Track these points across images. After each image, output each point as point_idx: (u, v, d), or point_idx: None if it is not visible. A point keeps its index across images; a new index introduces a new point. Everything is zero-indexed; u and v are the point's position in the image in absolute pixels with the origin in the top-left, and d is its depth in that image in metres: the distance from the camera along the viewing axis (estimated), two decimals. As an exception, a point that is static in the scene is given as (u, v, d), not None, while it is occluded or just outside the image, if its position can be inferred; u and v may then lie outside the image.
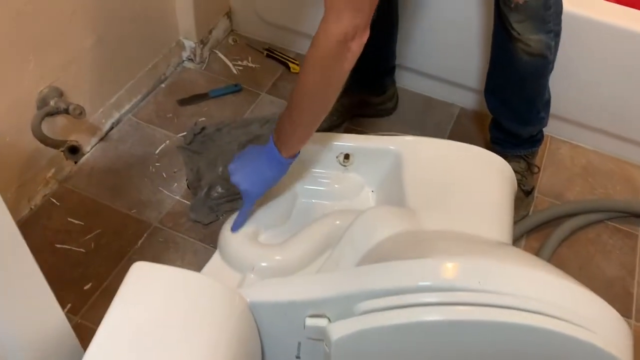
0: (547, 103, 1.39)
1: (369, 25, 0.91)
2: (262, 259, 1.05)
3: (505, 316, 0.77)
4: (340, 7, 0.86)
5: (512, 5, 1.16)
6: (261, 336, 0.90)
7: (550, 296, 0.81)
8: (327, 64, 0.90)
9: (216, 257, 1.09)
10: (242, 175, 1.05)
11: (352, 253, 1.02)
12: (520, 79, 1.29)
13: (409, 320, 0.79)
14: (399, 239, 0.99)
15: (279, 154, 1.02)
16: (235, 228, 1.11)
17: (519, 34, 1.19)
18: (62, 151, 1.19)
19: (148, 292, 0.77)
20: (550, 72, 1.31)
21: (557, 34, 1.25)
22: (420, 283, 0.82)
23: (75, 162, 1.30)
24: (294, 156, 1.04)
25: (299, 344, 0.91)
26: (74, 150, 1.17)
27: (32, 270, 0.61)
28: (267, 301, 0.87)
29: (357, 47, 0.90)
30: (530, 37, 1.20)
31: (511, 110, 1.37)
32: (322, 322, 0.86)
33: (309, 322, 0.86)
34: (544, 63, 1.25)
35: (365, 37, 0.90)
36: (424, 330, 0.80)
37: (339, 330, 0.82)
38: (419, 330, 0.80)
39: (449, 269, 0.83)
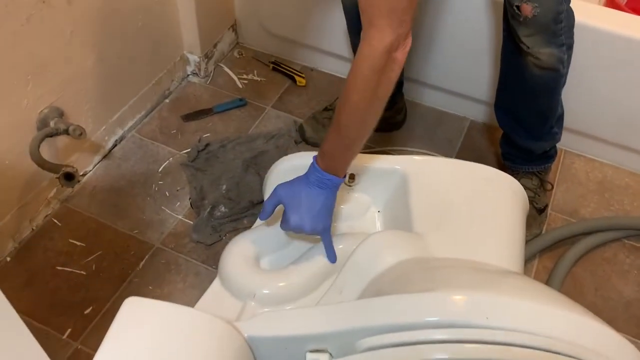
0: (560, 118, 1.34)
1: (411, 32, 0.87)
2: (263, 286, 1.02)
3: (514, 355, 0.73)
4: (383, 21, 0.84)
5: (521, 19, 1.13)
6: (260, 370, 0.87)
7: (562, 333, 0.76)
8: (375, 79, 0.88)
9: (216, 284, 1.06)
10: (311, 219, 0.99)
11: (356, 280, 0.98)
12: (532, 93, 1.25)
13: (414, 359, 0.75)
14: (405, 267, 0.95)
15: (334, 177, 0.98)
16: (334, 259, 1.05)
17: (528, 47, 1.16)
18: (57, 178, 1.17)
19: (140, 330, 0.74)
20: (563, 85, 1.26)
21: (569, 47, 1.20)
22: (427, 319, 0.78)
23: (76, 184, 1.27)
24: (345, 176, 1.02)
25: (300, 378, 0.87)
26: (70, 177, 1.15)
27: (10, 318, 0.58)
28: (266, 336, 0.83)
29: (402, 56, 0.88)
30: (540, 50, 1.16)
31: (523, 125, 1.33)
32: (323, 358, 0.82)
33: (310, 357, 0.83)
34: (555, 76, 1.21)
35: (409, 44, 0.88)
36: (429, 369, 0.76)
37: (340, 367, 0.78)
38: (424, 369, 0.76)
39: (456, 304, 0.79)
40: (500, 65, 1.30)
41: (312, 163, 1.00)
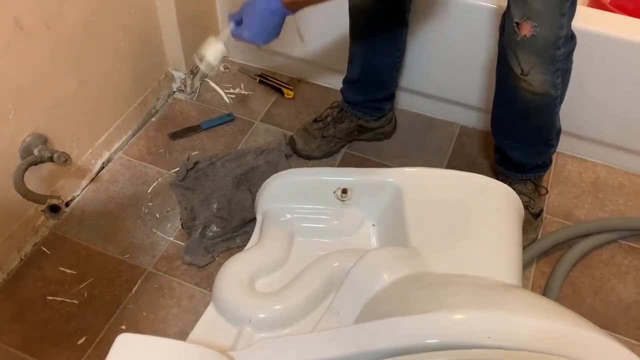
0: (558, 132, 1.32)
1: None
2: (260, 310, 1.00)
3: (518, 375, 0.72)
4: None
5: (518, 39, 1.08)
6: (259, 400, 0.85)
7: (564, 348, 0.75)
8: None
9: (210, 310, 1.04)
10: (250, 22, 1.07)
11: (353, 301, 0.96)
12: (525, 114, 1.22)
13: (416, 383, 0.74)
14: (403, 285, 0.94)
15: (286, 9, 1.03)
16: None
17: (522, 71, 1.11)
18: (42, 211, 1.14)
19: (134, 369, 0.72)
20: (560, 104, 1.24)
21: (565, 71, 1.17)
22: (428, 341, 0.76)
23: (63, 214, 1.24)
24: (293, 10, 1.05)
25: (300, 406, 0.86)
26: (55, 209, 1.12)
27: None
28: (263, 365, 0.82)
29: None
30: (534, 77, 1.12)
31: (516, 141, 1.31)
32: (323, 385, 0.81)
33: (310, 384, 0.81)
34: (549, 100, 1.18)
35: None
36: (432, 394, 0.74)
37: (341, 395, 0.77)
38: (427, 393, 0.74)
39: (457, 324, 0.78)
40: (495, 80, 1.28)
41: None
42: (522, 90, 1.14)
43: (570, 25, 1.12)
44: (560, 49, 1.10)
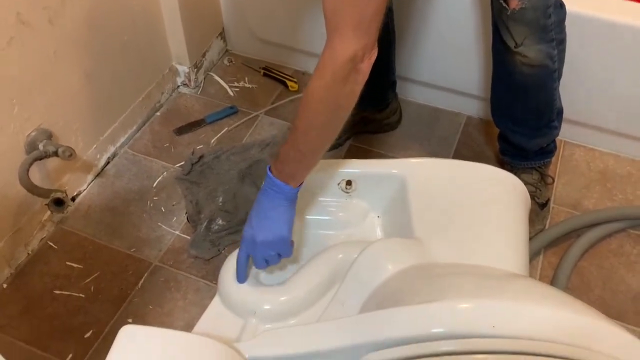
0: (560, 113, 1.31)
1: (377, 43, 0.86)
2: (264, 302, 1.00)
3: (524, 364, 0.71)
4: (347, 30, 0.81)
5: (509, 13, 1.09)
6: (264, 391, 0.85)
7: (571, 337, 0.74)
8: (338, 90, 0.85)
9: (216, 302, 1.04)
10: (261, 228, 0.96)
11: (358, 291, 0.96)
12: (524, 91, 1.21)
13: (421, 372, 0.73)
14: (407, 275, 0.93)
15: (285, 185, 0.94)
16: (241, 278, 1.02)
17: (516, 45, 1.12)
18: (46, 205, 1.15)
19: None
20: (557, 80, 1.23)
21: (560, 42, 1.17)
22: (433, 330, 0.76)
23: (68, 208, 1.24)
24: (301, 184, 0.97)
25: (306, 396, 0.85)
26: (59, 203, 1.12)
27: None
28: (268, 356, 0.82)
29: (367, 67, 0.85)
30: (528, 48, 1.12)
31: (518, 122, 1.30)
32: (328, 375, 0.80)
33: (314, 375, 0.81)
34: (546, 72, 1.18)
35: (374, 55, 0.86)
36: (437, 383, 0.74)
37: (346, 385, 0.76)
38: (431, 382, 0.74)
39: (462, 314, 0.77)
40: (492, 63, 1.27)
41: (267, 168, 0.96)
42: (518, 64, 1.14)
43: None
44: (551, 17, 1.10)
